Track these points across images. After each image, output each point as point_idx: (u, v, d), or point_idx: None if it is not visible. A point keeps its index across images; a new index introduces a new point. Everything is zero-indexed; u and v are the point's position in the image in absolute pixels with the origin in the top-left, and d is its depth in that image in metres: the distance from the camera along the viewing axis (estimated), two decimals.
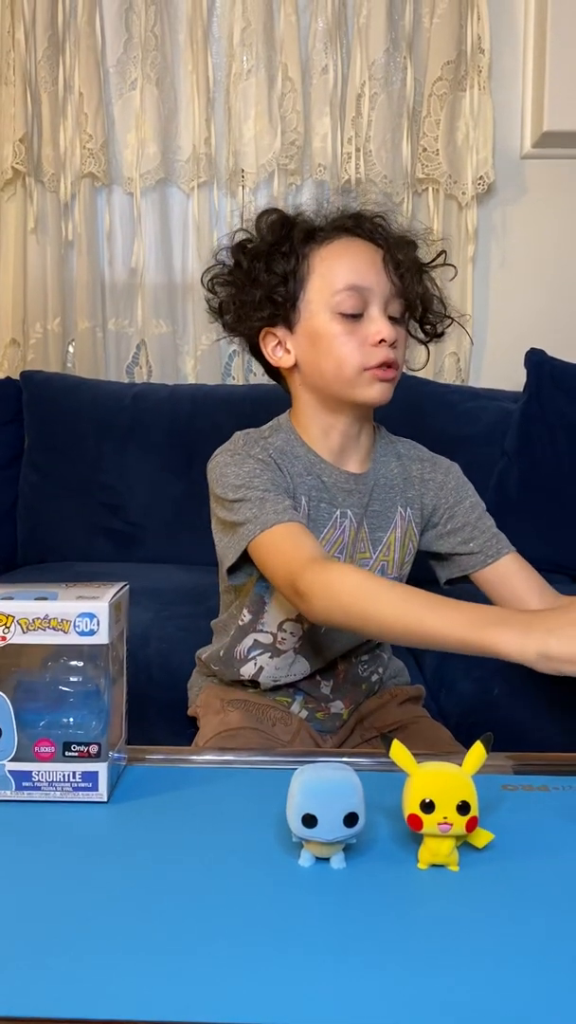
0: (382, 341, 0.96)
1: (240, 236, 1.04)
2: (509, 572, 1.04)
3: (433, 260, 1.03)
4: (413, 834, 0.63)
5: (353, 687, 1.10)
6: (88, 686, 0.72)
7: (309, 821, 0.60)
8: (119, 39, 2.16)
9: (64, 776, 0.72)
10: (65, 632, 0.70)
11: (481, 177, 2.13)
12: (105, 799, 0.72)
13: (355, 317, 0.97)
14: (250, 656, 1.07)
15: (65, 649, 0.71)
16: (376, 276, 0.97)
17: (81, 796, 0.72)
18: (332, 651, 1.06)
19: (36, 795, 0.72)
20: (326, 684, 1.09)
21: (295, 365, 1.02)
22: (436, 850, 0.62)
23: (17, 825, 0.69)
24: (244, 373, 2.23)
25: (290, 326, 1.01)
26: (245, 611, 1.07)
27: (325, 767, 0.64)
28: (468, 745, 0.65)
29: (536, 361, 1.91)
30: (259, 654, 1.07)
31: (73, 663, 0.71)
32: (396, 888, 0.60)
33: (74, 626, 0.70)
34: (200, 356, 2.19)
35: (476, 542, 1.06)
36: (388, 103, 2.11)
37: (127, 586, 0.77)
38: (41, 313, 2.18)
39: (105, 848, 0.65)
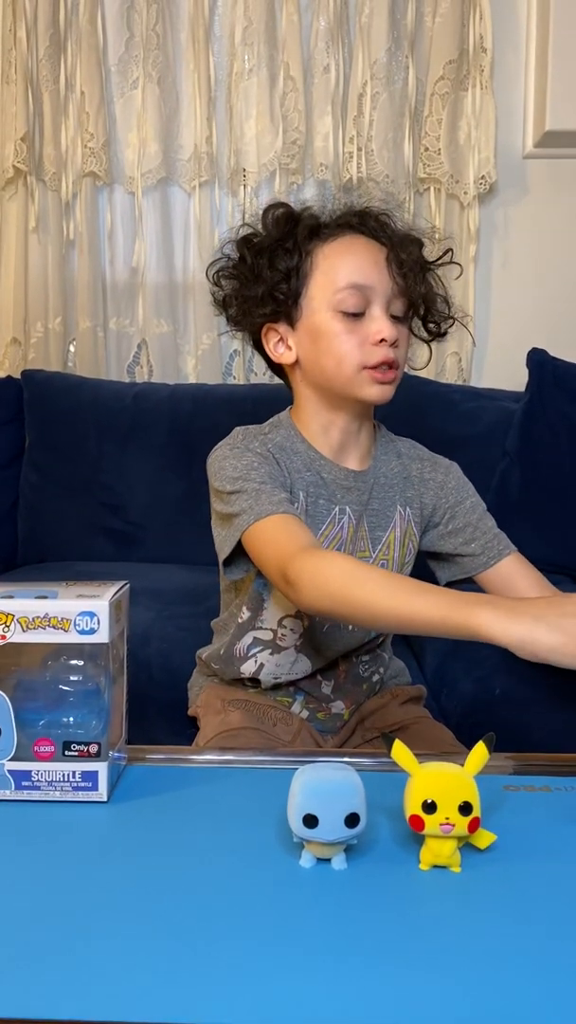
0: (382, 340, 0.96)
1: (245, 230, 1.03)
2: (511, 572, 1.04)
3: (439, 258, 1.02)
4: (415, 835, 0.63)
5: (354, 687, 1.10)
6: (88, 685, 0.71)
7: (310, 821, 0.60)
8: (121, 38, 2.16)
9: (64, 776, 0.71)
10: (65, 631, 0.70)
11: (483, 176, 2.12)
12: (105, 799, 0.72)
13: (356, 315, 0.96)
14: (250, 653, 1.07)
15: (65, 648, 0.71)
16: (379, 275, 0.97)
17: (81, 796, 0.72)
18: (333, 650, 1.06)
19: (36, 795, 0.72)
20: (327, 684, 1.08)
21: (296, 362, 1.02)
22: (438, 851, 0.62)
23: (17, 825, 0.68)
24: (245, 373, 2.22)
25: (292, 323, 1.01)
26: (244, 608, 1.07)
27: (326, 767, 0.64)
28: (469, 745, 0.65)
29: (538, 361, 1.91)
30: (259, 651, 1.07)
31: (73, 662, 0.71)
32: (397, 889, 0.60)
33: (74, 625, 0.70)
34: (201, 356, 2.19)
35: (478, 543, 1.05)
36: (390, 102, 2.11)
37: (127, 585, 0.77)
38: (42, 312, 2.18)
39: (105, 848, 0.65)
